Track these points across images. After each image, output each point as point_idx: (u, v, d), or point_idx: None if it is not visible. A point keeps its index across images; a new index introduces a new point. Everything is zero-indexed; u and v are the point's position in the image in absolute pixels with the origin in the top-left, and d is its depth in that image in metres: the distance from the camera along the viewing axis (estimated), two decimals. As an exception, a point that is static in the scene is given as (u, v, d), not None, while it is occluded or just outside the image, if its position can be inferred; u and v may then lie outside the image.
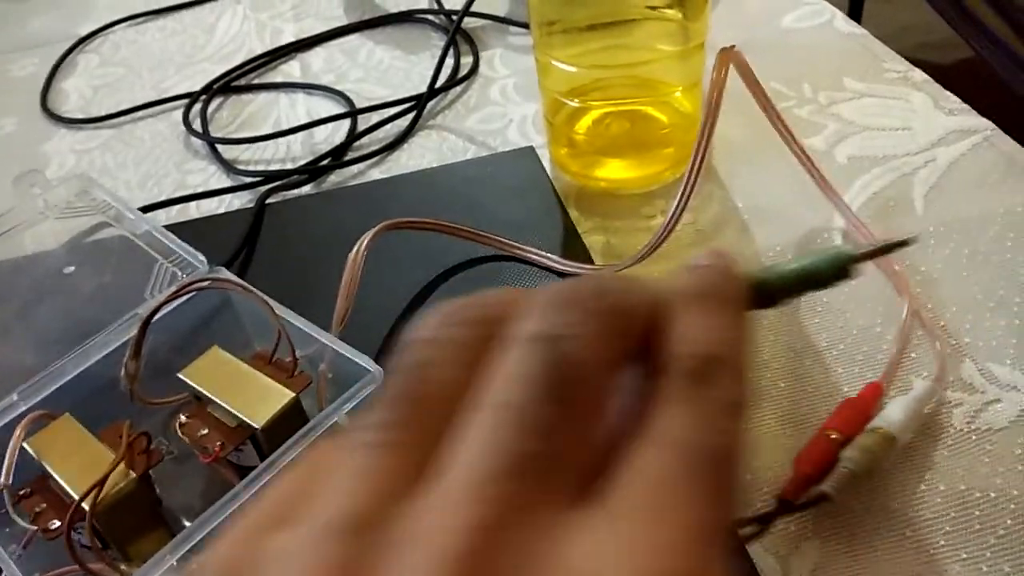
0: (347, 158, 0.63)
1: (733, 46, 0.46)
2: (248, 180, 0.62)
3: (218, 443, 0.35)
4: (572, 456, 0.16)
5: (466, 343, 0.18)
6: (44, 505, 0.34)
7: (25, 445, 0.35)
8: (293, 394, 0.36)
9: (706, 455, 0.16)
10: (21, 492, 0.34)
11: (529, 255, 0.50)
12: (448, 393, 0.17)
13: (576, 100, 0.55)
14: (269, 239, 0.55)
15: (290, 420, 0.36)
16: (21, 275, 0.46)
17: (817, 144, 0.56)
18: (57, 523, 0.33)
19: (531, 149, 0.59)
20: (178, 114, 0.72)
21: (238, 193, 0.62)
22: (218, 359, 0.39)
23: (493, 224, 0.51)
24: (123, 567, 0.32)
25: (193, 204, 0.61)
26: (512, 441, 0.16)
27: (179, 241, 0.45)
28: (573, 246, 0.50)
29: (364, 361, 0.37)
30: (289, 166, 0.64)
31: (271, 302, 0.40)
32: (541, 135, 0.62)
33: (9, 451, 0.35)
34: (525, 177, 0.57)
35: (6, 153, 0.70)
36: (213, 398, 0.36)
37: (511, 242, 0.50)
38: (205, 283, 0.42)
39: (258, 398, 0.36)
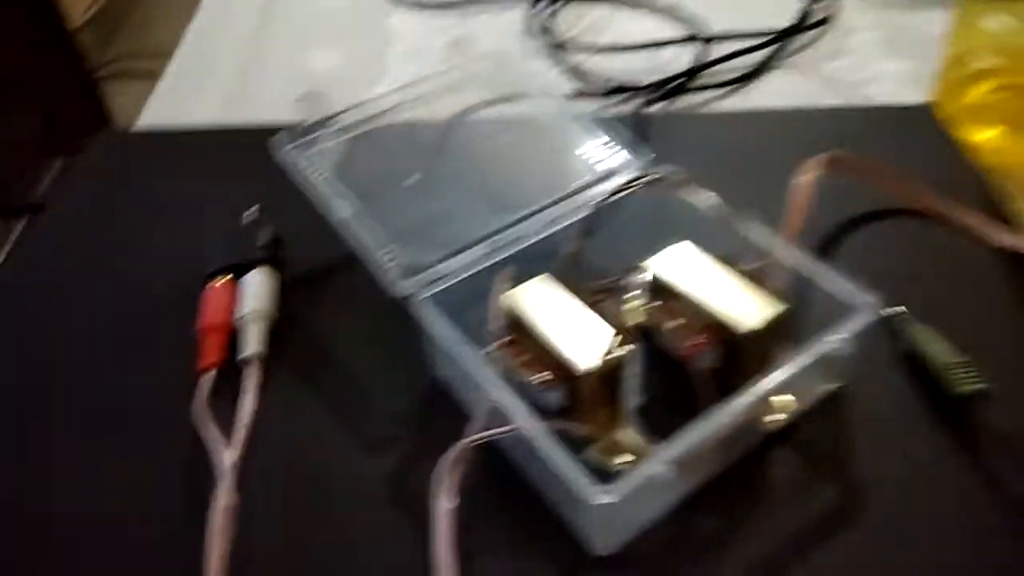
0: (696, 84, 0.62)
1: None
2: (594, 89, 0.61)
3: (700, 339, 0.35)
4: None
5: None
6: (528, 356, 0.34)
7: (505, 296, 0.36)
8: (786, 305, 0.35)
9: None
10: (507, 338, 0.35)
11: (958, 217, 0.46)
12: None
13: (988, 61, 0.51)
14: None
15: (772, 335, 0.35)
16: (461, 133, 0.47)
17: None
18: (549, 375, 0.33)
19: (928, 108, 0.55)
20: (515, 13, 0.71)
21: (584, 100, 0.61)
22: (687, 253, 0.38)
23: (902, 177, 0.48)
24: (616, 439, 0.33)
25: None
26: None
27: (618, 132, 0.44)
28: (1003, 217, 0.47)
29: (856, 293, 0.35)
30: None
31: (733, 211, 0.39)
32: (909, 96, 0.59)
33: (494, 298, 0.35)
34: (925, 139, 0.53)
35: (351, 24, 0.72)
36: (688, 291, 0.36)
37: (935, 199, 0.47)
38: (655, 177, 0.41)
39: (738, 300, 0.35)
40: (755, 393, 0.33)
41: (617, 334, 0.33)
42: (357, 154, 0.44)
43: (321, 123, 0.45)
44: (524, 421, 0.32)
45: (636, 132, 0.53)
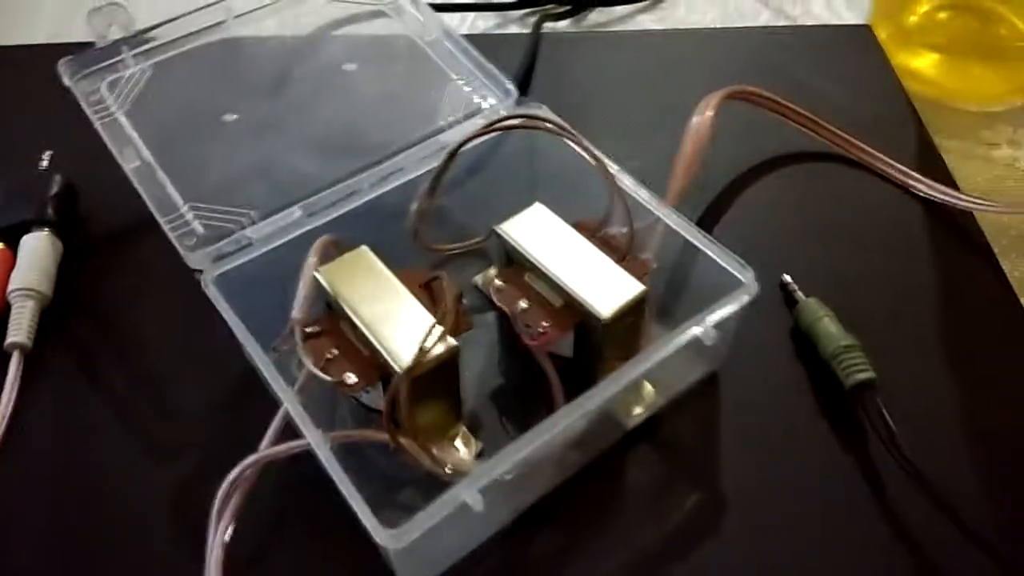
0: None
1: None
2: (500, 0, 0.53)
3: (545, 325, 0.29)
4: None
5: None
6: (335, 351, 0.28)
7: (317, 274, 0.29)
8: (643, 287, 0.29)
9: None
10: (309, 330, 0.29)
11: (881, 166, 0.40)
12: None
13: None
14: (545, 78, 0.46)
15: (629, 317, 0.29)
16: (296, 59, 0.39)
17: None
18: (354, 378, 0.27)
19: (867, 29, 0.48)
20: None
21: (484, 14, 0.53)
22: (540, 218, 0.31)
23: (824, 114, 0.42)
24: (434, 452, 0.27)
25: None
26: None
27: (487, 64, 0.37)
28: (930, 163, 0.41)
29: (734, 267, 0.29)
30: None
31: (607, 161, 0.32)
32: (852, 12, 0.52)
33: (303, 280, 0.29)
34: (861, 65, 0.46)
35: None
36: (539, 265, 0.30)
37: (862, 145, 0.41)
38: (518, 120, 0.34)
39: (595, 279, 0.29)
40: (607, 390, 0.27)
41: (443, 323, 0.27)
42: (164, 85, 0.36)
43: (120, 43, 0.37)
44: (312, 436, 0.26)
45: (529, 56, 0.46)
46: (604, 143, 0.33)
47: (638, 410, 0.31)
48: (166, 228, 0.31)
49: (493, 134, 0.34)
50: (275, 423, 0.29)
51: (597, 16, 0.53)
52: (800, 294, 0.34)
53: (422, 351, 0.26)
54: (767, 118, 0.41)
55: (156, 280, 0.36)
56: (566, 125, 0.33)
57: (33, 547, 0.29)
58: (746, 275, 0.29)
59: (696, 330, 0.28)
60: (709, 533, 0.29)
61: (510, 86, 0.36)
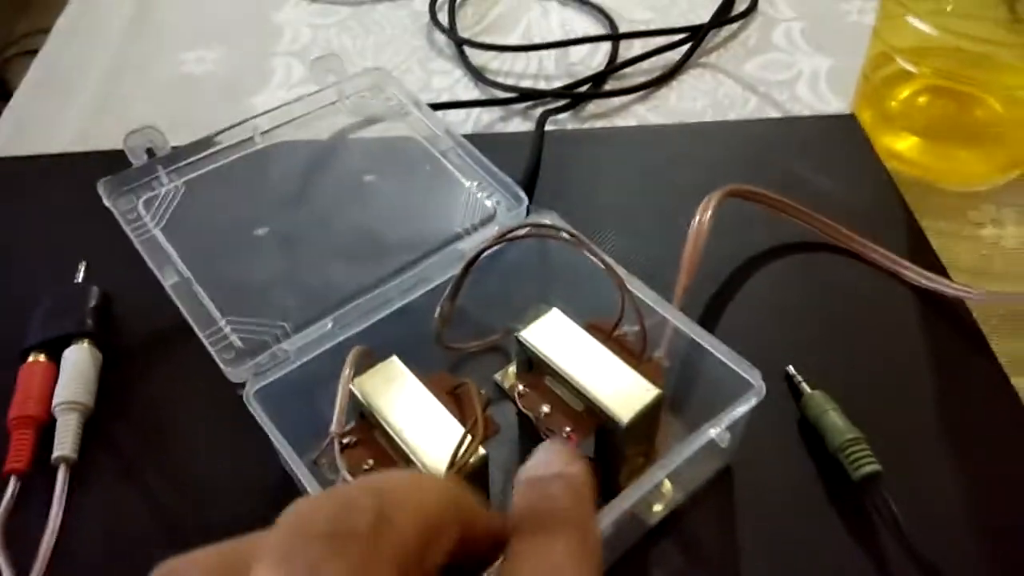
0: (608, 88, 0.57)
1: None
2: (502, 95, 0.56)
3: (568, 430, 0.30)
4: None
5: None
6: (371, 462, 0.30)
7: (352, 387, 0.31)
8: (658, 391, 0.31)
9: None
10: (346, 442, 0.31)
11: (873, 255, 0.43)
12: None
13: (911, 63, 0.47)
14: (550, 175, 0.48)
15: (648, 417, 0.31)
16: (318, 167, 0.41)
17: None
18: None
19: (852, 118, 0.51)
20: (420, 3, 0.66)
21: (488, 108, 0.56)
22: (557, 323, 0.33)
23: (815, 204, 0.44)
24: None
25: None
26: None
27: (497, 171, 0.39)
28: (919, 249, 0.43)
29: (743, 368, 0.31)
30: (542, 85, 0.58)
31: (615, 266, 0.35)
32: (837, 96, 0.55)
33: (340, 392, 0.31)
34: (848, 153, 0.49)
35: (240, 18, 0.65)
36: (561, 371, 0.32)
37: (852, 235, 0.43)
38: (529, 229, 0.36)
39: (613, 384, 0.31)
40: (633, 496, 0.28)
41: (473, 433, 0.29)
42: (196, 201, 0.39)
43: (155, 163, 0.39)
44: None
45: (535, 156, 0.48)
46: (607, 237, 0.35)
47: (658, 507, 0.33)
48: (206, 343, 0.33)
49: (504, 242, 0.36)
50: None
51: (594, 107, 0.56)
52: (805, 386, 0.36)
53: (454, 463, 0.28)
54: (761, 211, 0.43)
55: (191, 386, 0.38)
56: (575, 232, 0.35)
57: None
58: (754, 376, 0.31)
59: (712, 432, 0.30)
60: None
61: (521, 193, 0.38)
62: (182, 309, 0.34)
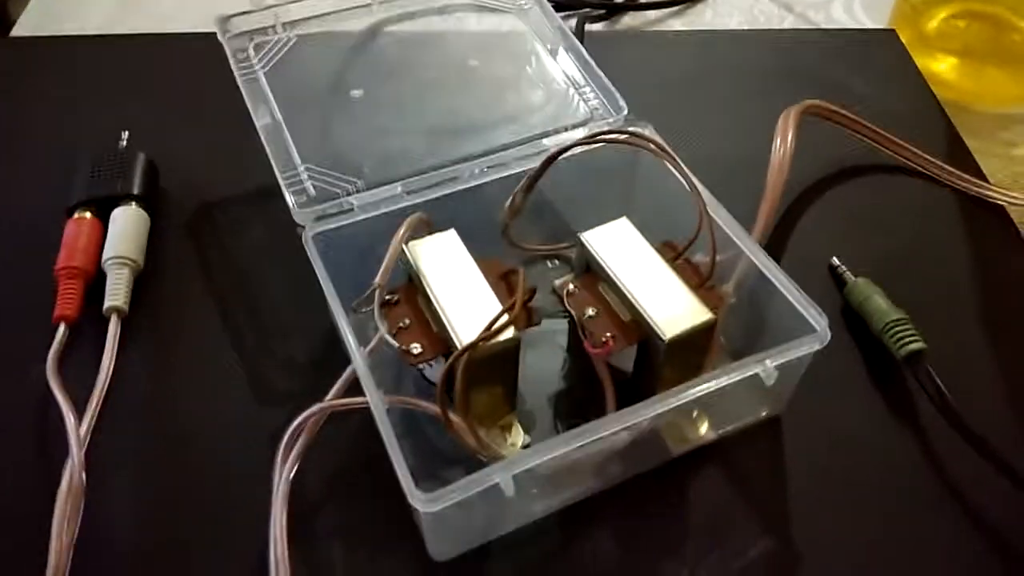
0: (644, 0, 0.55)
1: None
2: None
3: (609, 335, 0.29)
4: None
5: None
6: (408, 321, 0.30)
7: (404, 247, 0.31)
8: (712, 316, 0.29)
9: None
10: (388, 297, 0.31)
11: (921, 162, 0.43)
12: None
13: None
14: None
15: (693, 343, 0.29)
16: (426, 50, 0.41)
17: None
18: (419, 349, 0.29)
19: (892, 33, 0.50)
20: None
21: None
22: (624, 232, 0.32)
23: (862, 113, 0.43)
24: (480, 434, 0.28)
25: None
26: None
27: (602, 76, 0.38)
28: (960, 158, 0.43)
29: (810, 314, 0.29)
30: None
31: (702, 189, 0.33)
32: (871, 18, 0.54)
33: (391, 250, 0.31)
34: (889, 66, 0.48)
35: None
36: (614, 277, 0.30)
37: (905, 144, 0.43)
38: (623, 136, 0.35)
39: (666, 300, 0.29)
40: (655, 406, 0.27)
41: (510, 313, 0.28)
42: (304, 55, 0.39)
43: (274, 9, 0.40)
44: (372, 395, 0.27)
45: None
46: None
47: (686, 438, 0.31)
48: (283, 183, 0.34)
49: (593, 145, 0.35)
50: (343, 378, 0.31)
51: (630, 20, 0.54)
52: (849, 275, 0.37)
53: (484, 335, 0.27)
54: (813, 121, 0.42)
55: (240, 256, 0.38)
56: (668, 148, 0.34)
57: (127, 506, 0.31)
58: (820, 323, 0.29)
59: (757, 367, 0.28)
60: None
61: (621, 102, 0.37)
62: (267, 149, 0.35)
